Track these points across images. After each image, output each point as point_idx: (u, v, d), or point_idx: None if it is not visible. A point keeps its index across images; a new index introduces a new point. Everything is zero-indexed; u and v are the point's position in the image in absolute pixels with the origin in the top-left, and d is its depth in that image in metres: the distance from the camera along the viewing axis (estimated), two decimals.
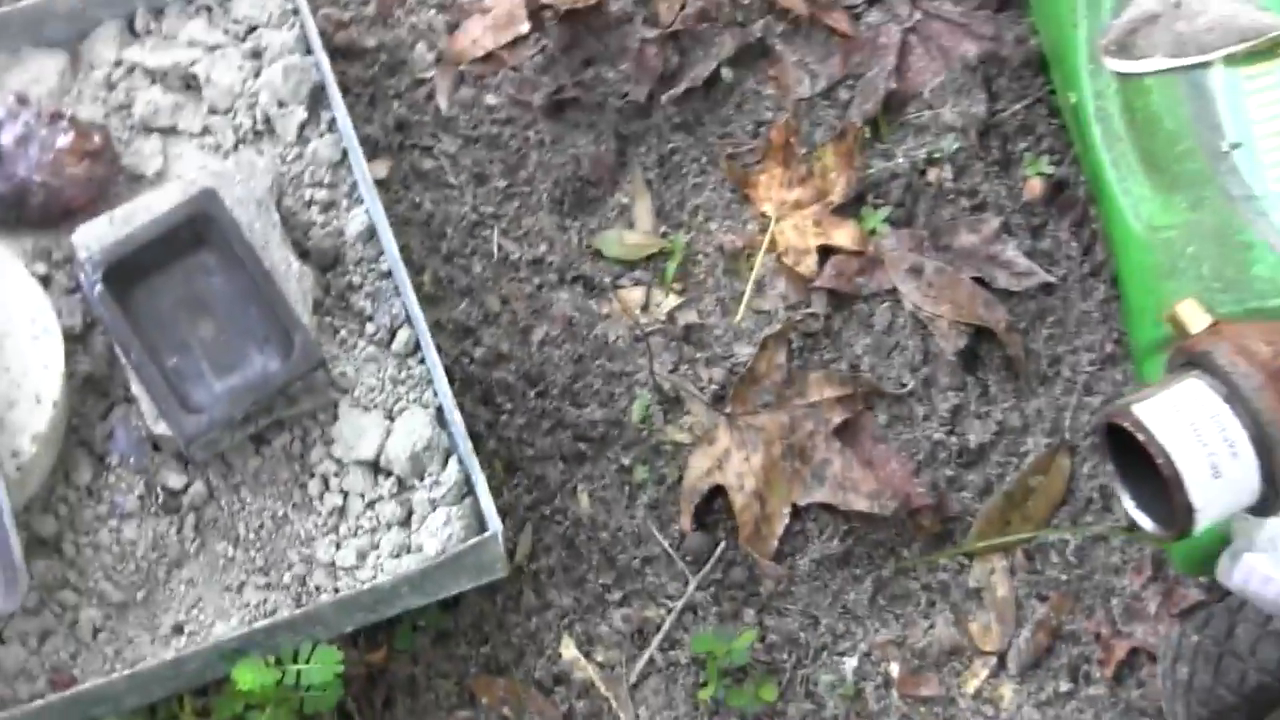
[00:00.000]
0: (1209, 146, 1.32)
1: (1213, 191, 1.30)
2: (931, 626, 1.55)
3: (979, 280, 1.64)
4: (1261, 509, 0.99)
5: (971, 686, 1.53)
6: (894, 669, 1.54)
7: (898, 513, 1.55)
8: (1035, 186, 1.69)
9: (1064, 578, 1.55)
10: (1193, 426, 0.94)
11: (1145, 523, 0.99)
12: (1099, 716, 1.50)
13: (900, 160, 1.70)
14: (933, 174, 1.70)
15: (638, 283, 1.69)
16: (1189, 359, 0.99)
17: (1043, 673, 1.53)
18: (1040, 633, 1.53)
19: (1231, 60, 1.33)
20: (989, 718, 1.51)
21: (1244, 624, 1.22)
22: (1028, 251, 1.65)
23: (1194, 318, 1.08)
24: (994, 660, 1.53)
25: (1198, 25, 1.35)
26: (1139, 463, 0.97)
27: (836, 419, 1.59)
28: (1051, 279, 1.64)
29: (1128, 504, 1.00)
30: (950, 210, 1.68)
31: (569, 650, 1.55)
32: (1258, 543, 0.99)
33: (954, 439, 1.59)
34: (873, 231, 1.67)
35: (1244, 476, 0.96)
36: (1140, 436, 0.94)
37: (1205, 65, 1.34)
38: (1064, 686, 1.52)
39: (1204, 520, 0.96)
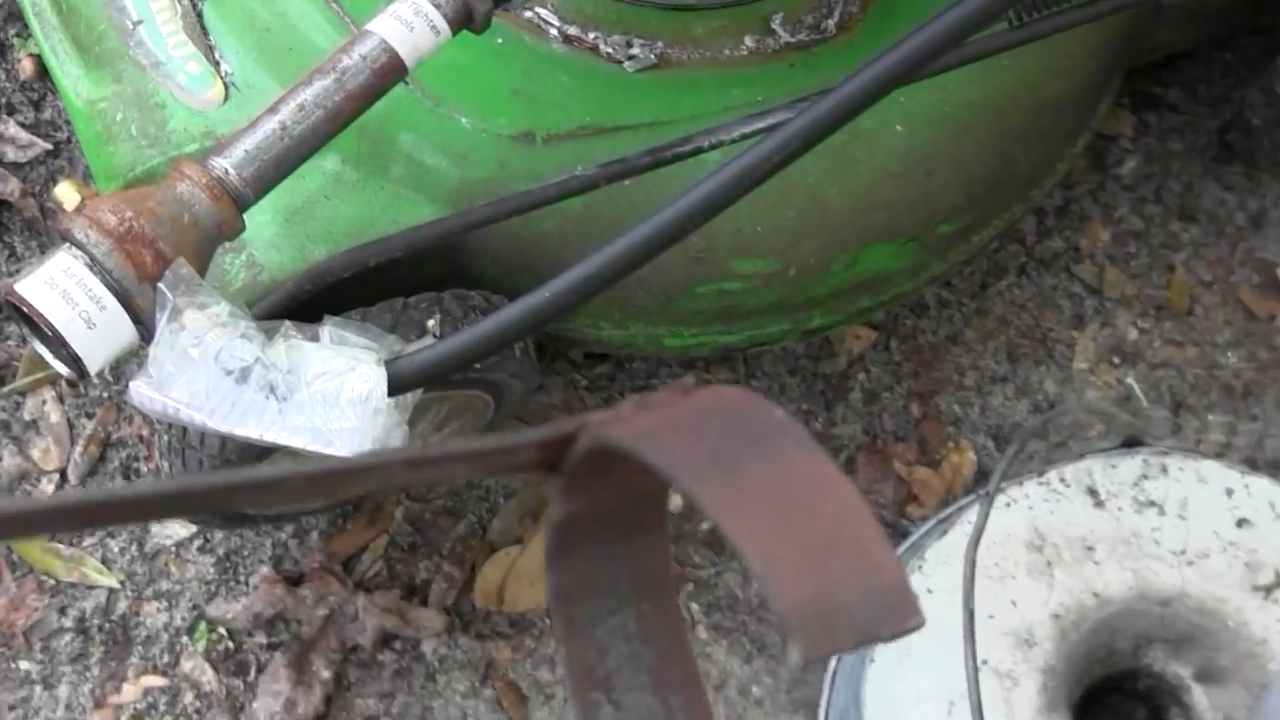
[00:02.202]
0: (120, 25, 1.50)
1: (128, 64, 1.49)
2: (1, 460, 1.76)
3: None
4: (146, 339, 1.23)
5: None
6: None
7: None
8: (28, 66, 1.87)
9: (105, 395, 1.79)
10: (64, 292, 1.16)
11: (61, 369, 1.21)
12: None
13: None
14: None
15: None
16: (61, 235, 1.21)
17: (100, 477, 1.76)
18: (92, 445, 1.76)
19: None
20: None
21: None
22: (32, 124, 1.84)
23: (68, 198, 1.28)
24: (57, 476, 1.76)
25: None
26: None
27: None
28: (50, 145, 1.83)
29: (46, 355, 1.21)
30: None
31: None
32: (142, 370, 1.22)
33: None
34: None
35: (116, 323, 1.19)
36: (24, 308, 1.16)
37: None
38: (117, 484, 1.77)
39: (95, 362, 1.19)
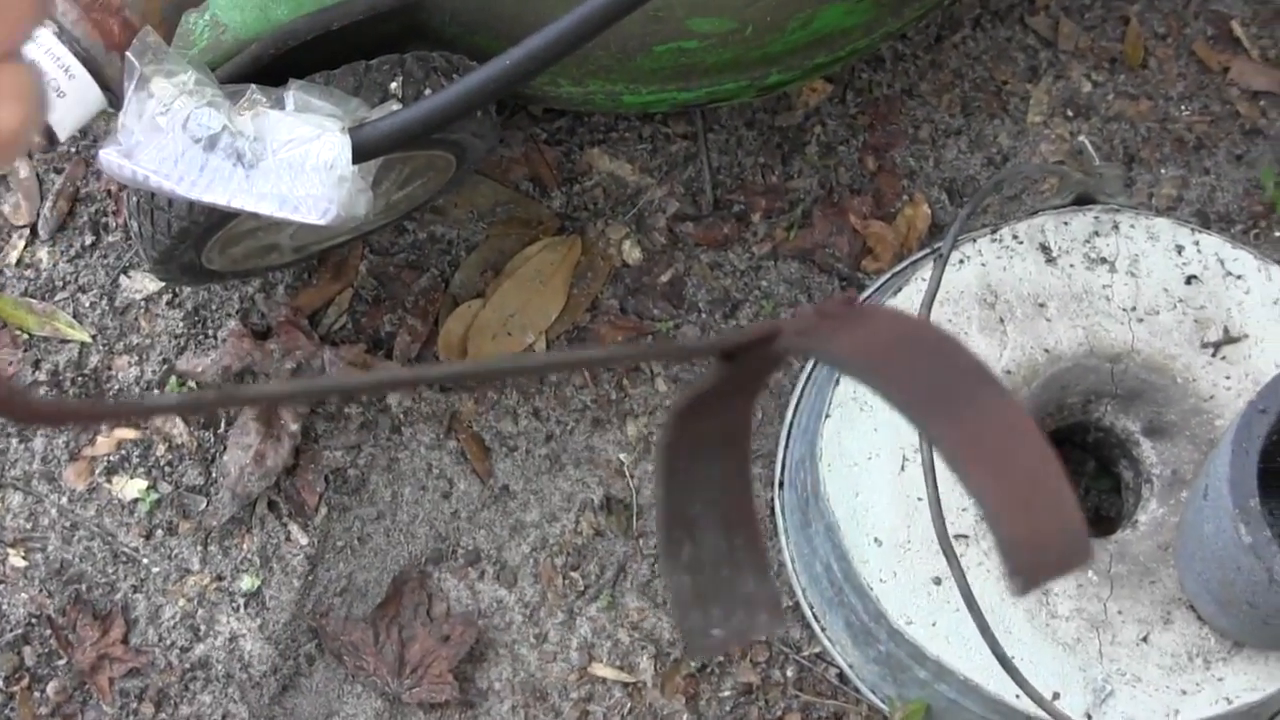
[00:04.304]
0: None
1: None
2: None
3: None
4: (116, 106, 1.21)
5: (14, 258, 1.74)
6: None
7: None
8: None
9: (73, 150, 1.76)
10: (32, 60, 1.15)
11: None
12: (120, 258, 1.75)
13: None
14: None
15: None
16: None
17: (69, 233, 1.75)
18: (61, 200, 1.75)
19: None
20: (32, 280, 1.74)
21: None
22: None
23: None
24: (27, 232, 1.74)
25: None
26: None
27: None
28: None
29: None
30: None
31: None
32: (110, 138, 1.20)
33: None
34: None
35: (85, 91, 1.17)
36: None
37: None
38: (88, 240, 1.75)
39: (65, 130, 1.18)
